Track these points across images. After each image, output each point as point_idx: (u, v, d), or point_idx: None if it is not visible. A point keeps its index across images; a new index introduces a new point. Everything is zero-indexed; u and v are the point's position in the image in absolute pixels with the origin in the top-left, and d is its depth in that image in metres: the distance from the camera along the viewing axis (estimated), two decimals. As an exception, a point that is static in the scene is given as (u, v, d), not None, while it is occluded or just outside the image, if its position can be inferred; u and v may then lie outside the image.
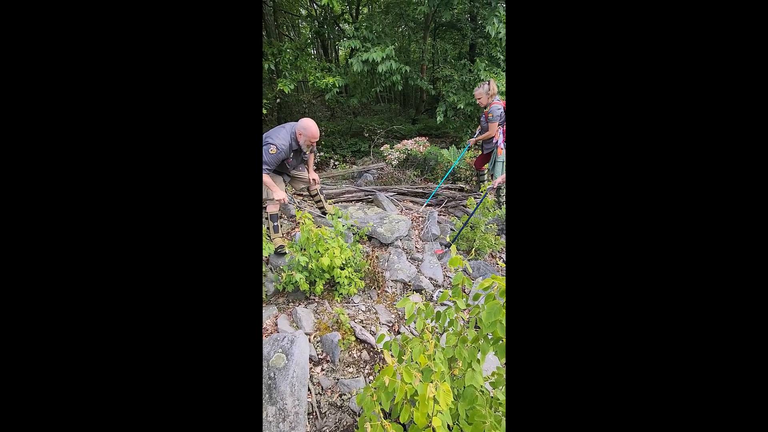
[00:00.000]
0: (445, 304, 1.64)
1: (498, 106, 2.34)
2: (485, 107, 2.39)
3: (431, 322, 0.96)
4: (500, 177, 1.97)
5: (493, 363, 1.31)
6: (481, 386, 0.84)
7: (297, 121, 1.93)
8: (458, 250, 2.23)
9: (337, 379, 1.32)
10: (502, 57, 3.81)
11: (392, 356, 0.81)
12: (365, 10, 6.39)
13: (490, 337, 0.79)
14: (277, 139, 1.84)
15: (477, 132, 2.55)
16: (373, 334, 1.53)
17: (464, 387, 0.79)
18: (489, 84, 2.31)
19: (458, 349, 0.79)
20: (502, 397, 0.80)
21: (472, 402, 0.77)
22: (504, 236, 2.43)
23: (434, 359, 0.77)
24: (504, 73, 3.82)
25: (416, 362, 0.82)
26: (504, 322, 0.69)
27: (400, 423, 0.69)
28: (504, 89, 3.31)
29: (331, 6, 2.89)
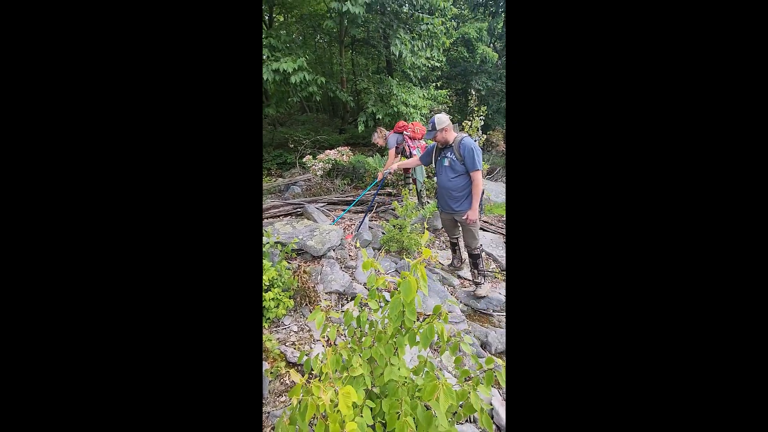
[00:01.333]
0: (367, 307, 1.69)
1: (390, 137, 2.86)
2: (384, 146, 2.94)
3: (357, 327, 0.97)
4: (393, 165, 2.30)
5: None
6: (405, 378, 0.89)
7: None
8: (389, 251, 2.34)
9: (268, 413, 1.20)
10: (412, 73, 4.23)
11: (311, 372, 0.78)
12: (281, 18, 6.18)
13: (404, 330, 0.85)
14: None
15: (388, 162, 3.07)
16: (307, 354, 1.46)
17: (385, 384, 0.82)
18: (378, 130, 2.96)
19: (375, 349, 0.82)
20: (420, 382, 0.86)
21: (395, 395, 0.81)
22: (429, 233, 2.67)
23: (351, 365, 0.78)
24: (416, 88, 4.25)
25: (338, 372, 0.81)
26: (407, 313, 0.75)
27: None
28: (415, 103, 3.69)
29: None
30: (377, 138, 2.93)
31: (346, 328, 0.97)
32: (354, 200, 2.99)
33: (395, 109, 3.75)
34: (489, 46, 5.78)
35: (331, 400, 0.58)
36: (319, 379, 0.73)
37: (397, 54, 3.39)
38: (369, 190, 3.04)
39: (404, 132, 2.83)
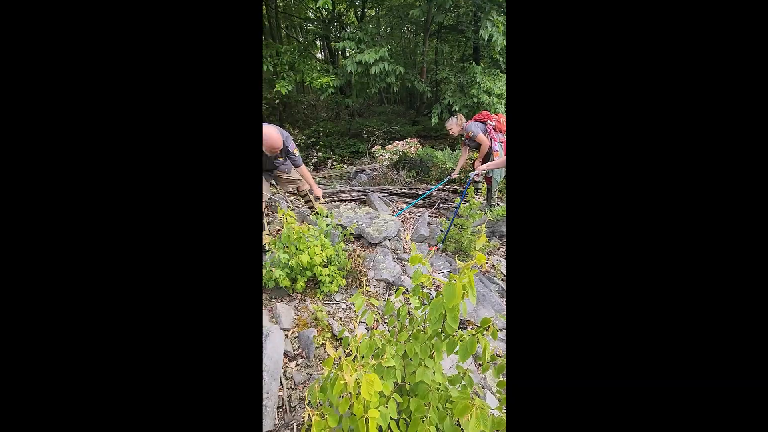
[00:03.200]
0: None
1: (471, 124, 2.49)
2: (461, 134, 2.58)
3: (397, 319, 0.97)
4: (482, 166, 2.03)
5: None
6: (439, 384, 0.84)
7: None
8: (445, 251, 2.23)
9: (310, 375, 1.34)
10: (501, 58, 3.79)
11: (344, 348, 0.82)
12: (372, 12, 6.45)
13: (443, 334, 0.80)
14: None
15: (462, 158, 2.73)
16: (351, 331, 1.55)
17: (416, 383, 0.80)
18: (457, 117, 2.55)
19: (409, 345, 0.80)
20: (455, 393, 0.80)
21: (425, 398, 0.78)
22: (494, 239, 2.41)
23: (383, 354, 0.78)
24: (503, 75, 3.80)
25: (372, 357, 0.83)
26: (448, 319, 0.70)
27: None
28: (500, 92, 3.30)
29: (327, 7, 2.94)
30: (453, 125, 2.49)
31: (387, 317, 0.98)
32: (420, 195, 2.94)
33: (475, 99, 3.45)
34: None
35: (356, 381, 0.59)
36: (354, 359, 0.76)
37: (486, 38, 3.08)
38: (437, 187, 2.91)
39: (488, 122, 2.50)
